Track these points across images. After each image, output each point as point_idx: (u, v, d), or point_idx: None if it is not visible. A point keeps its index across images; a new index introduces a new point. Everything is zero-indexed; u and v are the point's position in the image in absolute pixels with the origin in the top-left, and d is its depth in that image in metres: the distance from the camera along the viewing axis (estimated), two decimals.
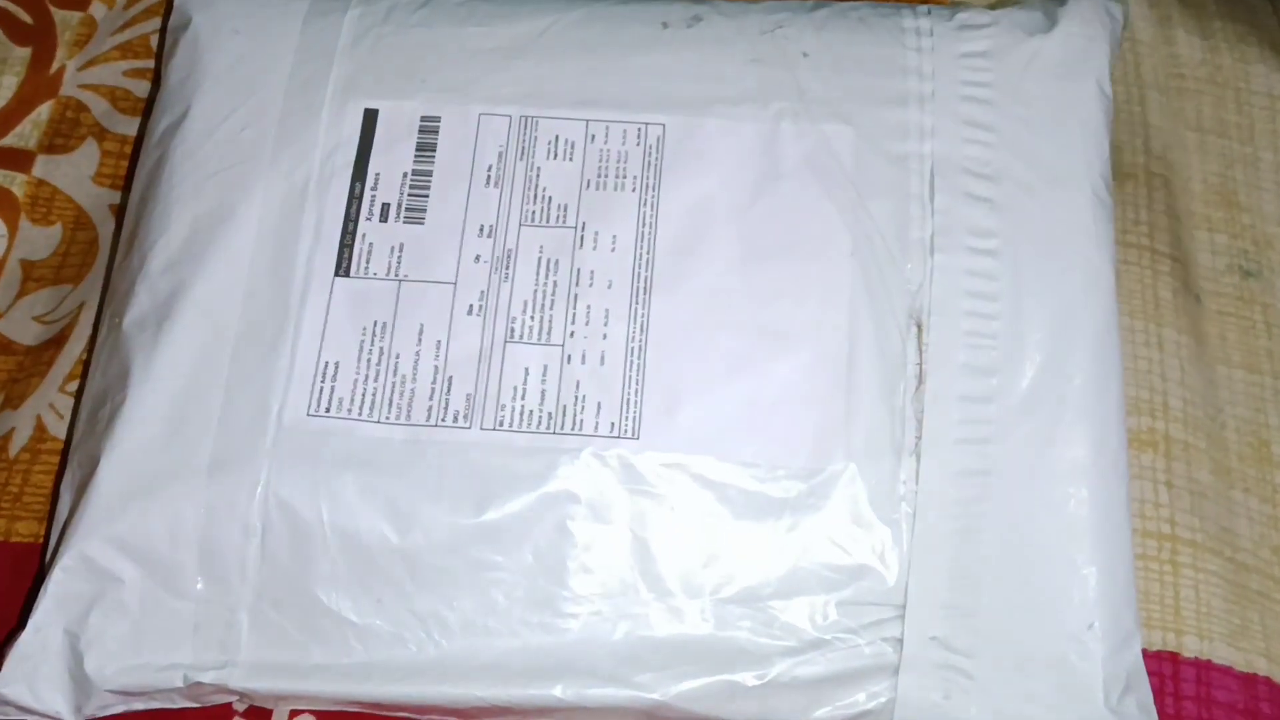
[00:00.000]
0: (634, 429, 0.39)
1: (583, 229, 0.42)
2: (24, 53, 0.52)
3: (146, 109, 0.50)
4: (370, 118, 0.43)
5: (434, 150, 0.43)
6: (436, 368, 0.40)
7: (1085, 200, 0.42)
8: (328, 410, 0.39)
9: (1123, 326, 0.43)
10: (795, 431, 0.39)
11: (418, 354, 0.40)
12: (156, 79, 0.48)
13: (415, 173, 0.43)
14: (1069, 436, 0.39)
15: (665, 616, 0.38)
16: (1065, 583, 0.38)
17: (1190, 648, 0.41)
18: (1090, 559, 0.38)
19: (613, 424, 0.39)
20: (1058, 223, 0.42)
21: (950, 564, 0.38)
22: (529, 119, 0.43)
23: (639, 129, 0.43)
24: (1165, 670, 0.41)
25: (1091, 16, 0.44)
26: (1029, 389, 0.40)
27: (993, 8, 0.46)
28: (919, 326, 0.40)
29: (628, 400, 0.39)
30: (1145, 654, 0.38)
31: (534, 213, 0.42)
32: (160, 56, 0.48)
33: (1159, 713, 0.38)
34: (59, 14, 0.53)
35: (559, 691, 0.37)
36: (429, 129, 0.43)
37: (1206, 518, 0.43)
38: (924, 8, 0.46)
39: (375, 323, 0.41)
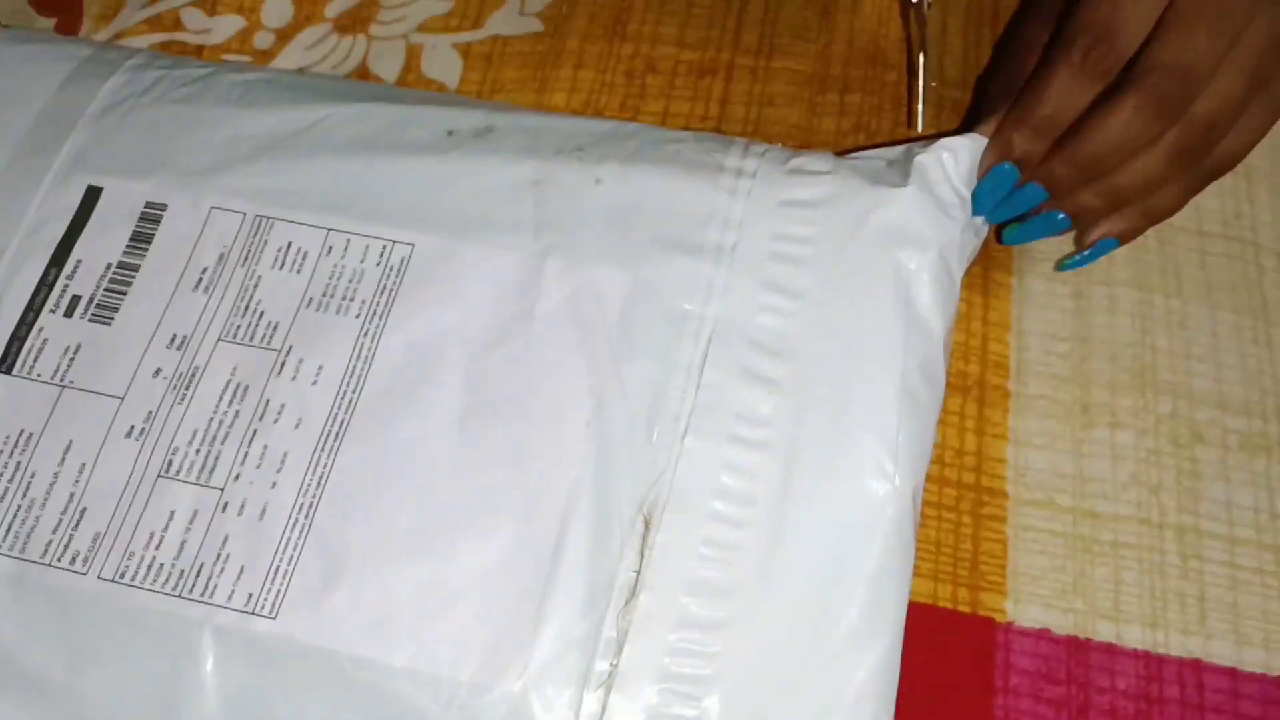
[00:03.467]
0: (273, 606, 0.32)
1: (287, 354, 0.35)
2: (47, 23, 0.49)
3: None
4: (92, 196, 0.38)
5: (149, 242, 0.37)
6: (72, 495, 0.33)
7: (891, 395, 0.34)
8: None
9: (1228, 324, 0.42)
10: (468, 636, 0.32)
11: (56, 476, 0.34)
12: None
13: (121, 265, 0.37)
14: (809, 695, 0.31)
15: None
16: None
17: None
18: None
19: (250, 595, 0.32)
20: (853, 422, 0.34)
21: None
22: (264, 219, 0.37)
23: (384, 246, 0.37)
24: None
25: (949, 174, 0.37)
26: (769, 626, 0.32)
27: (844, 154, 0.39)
28: (646, 524, 0.33)
29: (277, 569, 0.32)
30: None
31: (238, 328, 0.36)
32: None
33: None
34: None
35: None
36: (151, 217, 0.37)
37: None
38: (762, 146, 0.39)
39: (21, 432, 0.34)
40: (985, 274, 0.43)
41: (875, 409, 0.34)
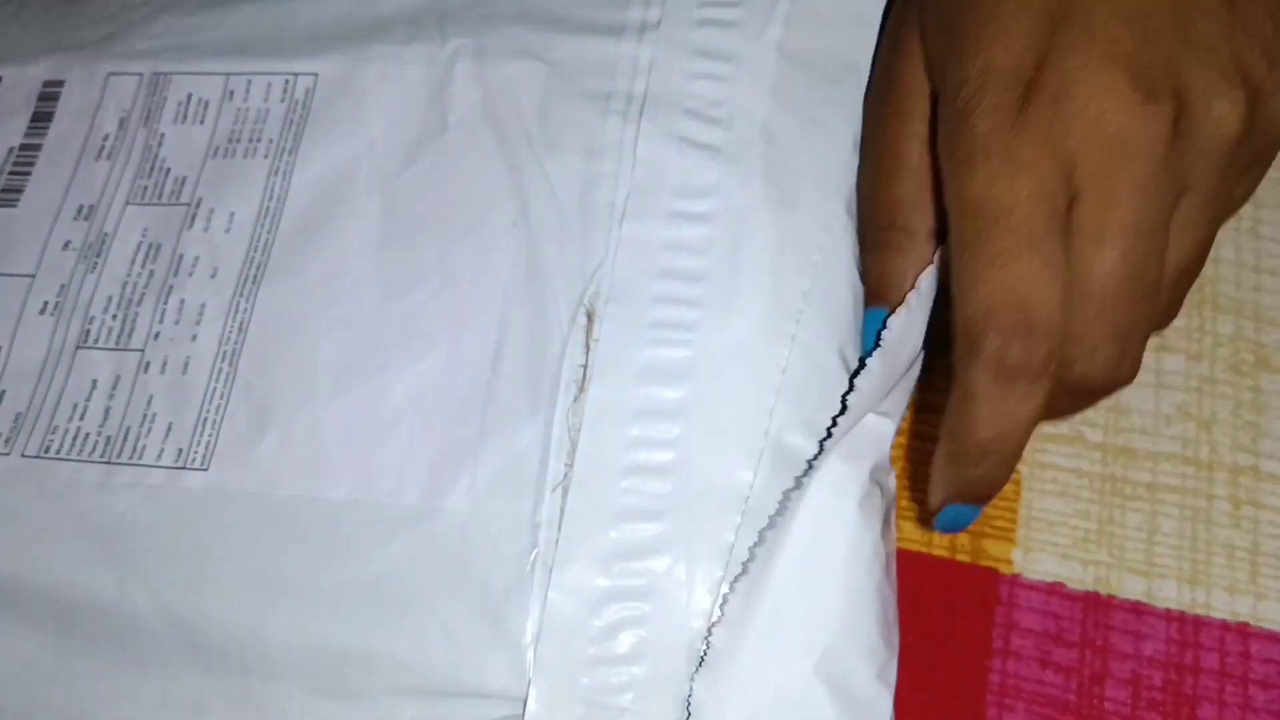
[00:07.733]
0: (204, 458, 0.30)
1: (197, 206, 0.33)
2: None
3: None
4: None
5: (50, 120, 0.35)
6: None
7: (847, 149, 0.31)
8: None
9: None
10: (409, 460, 0.29)
11: None
12: None
13: (23, 148, 0.35)
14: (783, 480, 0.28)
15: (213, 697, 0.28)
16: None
17: None
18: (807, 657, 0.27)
19: (180, 451, 0.30)
20: (805, 180, 0.31)
21: (590, 666, 0.27)
22: (161, 76, 0.35)
23: (286, 81, 0.34)
24: None
25: None
26: (729, 405, 0.29)
27: None
28: (589, 316, 0.30)
29: (205, 420, 0.30)
30: None
31: (146, 188, 0.34)
32: None
33: None
34: None
35: None
36: (49, 96, 0.35)
37: None
38: None
39: None
40: None
41: (833, 163, 0.31)
